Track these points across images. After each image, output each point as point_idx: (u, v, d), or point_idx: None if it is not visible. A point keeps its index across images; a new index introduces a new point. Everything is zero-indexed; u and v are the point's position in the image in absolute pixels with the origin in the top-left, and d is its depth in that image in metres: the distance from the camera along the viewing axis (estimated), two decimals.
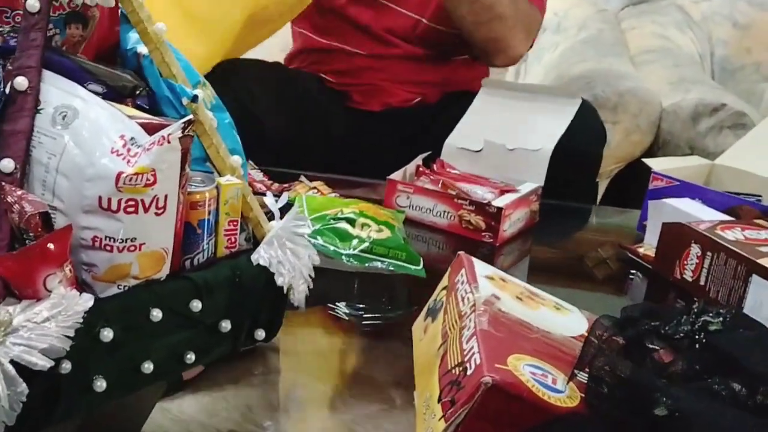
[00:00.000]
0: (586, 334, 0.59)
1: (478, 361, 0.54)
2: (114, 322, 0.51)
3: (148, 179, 0.50)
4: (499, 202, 1.12)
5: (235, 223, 0.64)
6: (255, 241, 0.68)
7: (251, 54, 1.46)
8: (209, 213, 0.61)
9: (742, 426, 0.48)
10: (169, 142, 0.50)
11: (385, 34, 1.55)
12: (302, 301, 0.74)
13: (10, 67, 0.53)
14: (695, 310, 0.55)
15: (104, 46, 0.62)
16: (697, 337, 0.52)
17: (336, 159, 1.45)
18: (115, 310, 0.51)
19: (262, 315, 0.69)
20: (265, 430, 0.67)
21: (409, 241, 1.00)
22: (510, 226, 1.13)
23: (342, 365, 0.82)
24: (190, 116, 0.55)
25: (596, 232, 1.36)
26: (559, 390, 0.53)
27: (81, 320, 0.47)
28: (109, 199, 0.50)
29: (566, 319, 0.68)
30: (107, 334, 0.51)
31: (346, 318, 0.86)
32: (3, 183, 0.50)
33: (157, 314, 0.54)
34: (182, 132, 0.51)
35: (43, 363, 0.46)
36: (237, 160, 0.65)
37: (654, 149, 1.77)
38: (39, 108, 0.52)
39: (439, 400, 0.56)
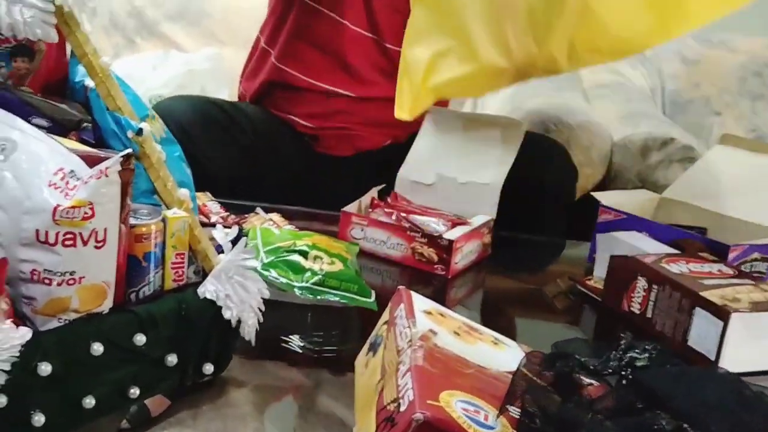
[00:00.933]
0: None
1: (411, 398, 0.54)
2: (53, 356, 0.50)
3: (86, 212, 0.50)
4: (451, 234, 1.13)
5: (182, 255, 0.64)
6: (204, 274, 0.68)
7: None
8: (155, 246, 0.60)
9: None
10: (107, 175, 0.50)
11: (370, 73, 1.51)
12: (252, 334, 0.74)
13: None
14: (623, 346, 0.56)
15: (53, 78, 0.62)
16: (623, 372, 0.53)
17: (296, 195, 1.43)
18: (54, 344, 0.51)
19: (210, 349, 0.68)
20: None
21: (361, 274, 1.01)
22: (462, 258, 1.14)
23: (296, 398, 0.81)
24: (129, 150, 0.56)
25: (548, 264, 1.38)
26: (491, 426, 0.53)
27: (17, 354, 0.47)
28: (47, 232, 0.50)
29: (503, 354, 0.68)
30: (45, 368, 0.50)
31: (300, 351, 0.86)
32: None
33: (98, 348, 0.54)
34: (121, 165, 0.51)
35: None
36: (185, 192, 0.65)
37: (606, 182, 1.80)
38: None
39: None
